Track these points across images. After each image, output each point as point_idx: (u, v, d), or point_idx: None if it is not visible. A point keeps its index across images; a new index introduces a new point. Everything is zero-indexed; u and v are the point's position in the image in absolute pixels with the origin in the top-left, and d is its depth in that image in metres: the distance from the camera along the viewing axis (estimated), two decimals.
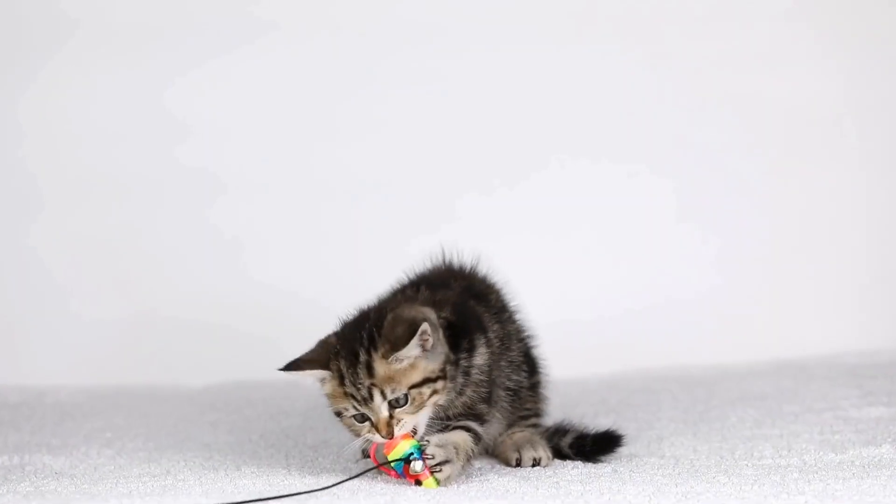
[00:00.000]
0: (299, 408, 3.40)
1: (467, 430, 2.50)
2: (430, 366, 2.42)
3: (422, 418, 2.44)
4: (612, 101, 4.22)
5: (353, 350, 2.42)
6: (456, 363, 2.48)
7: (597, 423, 3.03)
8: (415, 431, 2.43)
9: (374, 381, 2.40)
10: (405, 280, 2.73)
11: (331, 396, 2.47)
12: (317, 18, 4.18)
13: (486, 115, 4.19)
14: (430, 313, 2.46)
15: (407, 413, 2.41)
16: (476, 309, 2.61)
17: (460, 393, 2.50)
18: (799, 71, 4.24)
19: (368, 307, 2.55)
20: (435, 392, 2.42)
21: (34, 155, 4.15)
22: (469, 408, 2.52)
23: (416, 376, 2.41)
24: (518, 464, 2.64)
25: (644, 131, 4.22)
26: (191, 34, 4.14)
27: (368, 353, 2.41)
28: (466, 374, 2.51)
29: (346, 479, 2.45)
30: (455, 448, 2.45)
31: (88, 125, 4.14)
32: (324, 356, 2.46)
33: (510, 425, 2.71)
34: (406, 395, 2.40)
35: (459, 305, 2.57)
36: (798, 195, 4.25)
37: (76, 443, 3.04)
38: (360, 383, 2.40)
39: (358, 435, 2.46)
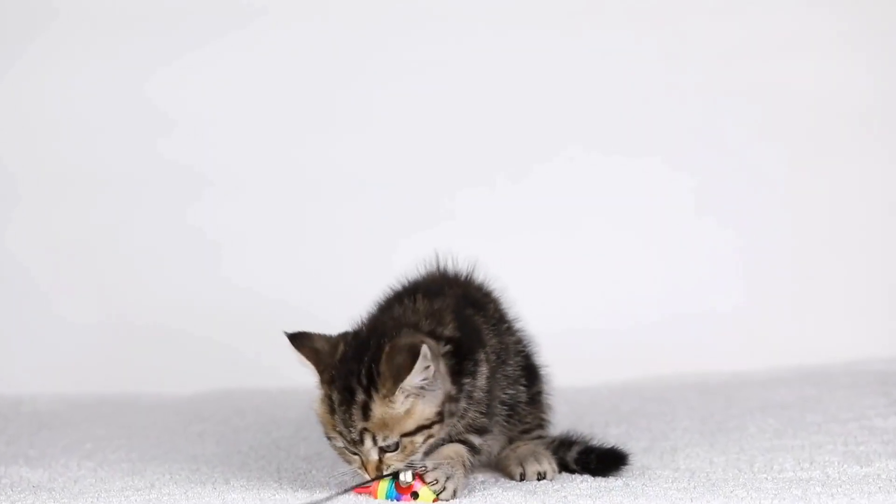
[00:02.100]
0: (291, 417, 3.41)
1: (462, 442, 2.52)
2: (427, 410, 2.40)
3: (415, 458, 2.43)
4: (625, 90, 4.21)
5: (348, 385, 2.40)
6: (459, 392, 2.47)
7: (607, 433, 3.05)
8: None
9: (368, 425, 2.38)
10: (398, 287, 2.71)
11: (321, 420, 2.47)
12: (308, 4, 4.19)
13: (489, 107, 4.19)
14: (431, 341, 2.43)
15: (396, 459, 2.41)
16: (474, 320, 2.60)
17: (462, 417, 2.51)
18: (824, 59, 4.23)
19: (370, 327, 2.52)
20: (430, 437, 2.42)
21: (9, 149, 4.16)
22: (469, 425, 2.53)
23: (410, 424, 2.39)
24: (522, 478, 2.65)
25: (659, 123, 4.22)
26: (175, 21, 4.14)
27: (368, 394, 2.38)
28: (470, 397, 2.51)
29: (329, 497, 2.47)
30: (450, 462, 2.47)
31: (67, 118, 4.15)
32: (326, 362, 2.44)
33: (512, 440, 2.72)
34: (397, 443, 2.40)
35: (459, 316, 2.56)
36: (823, 192, 4.25)
37: (55, 454, 3.05)
38: (353, 426, 2.39)
39: (348, 463, 2.47)
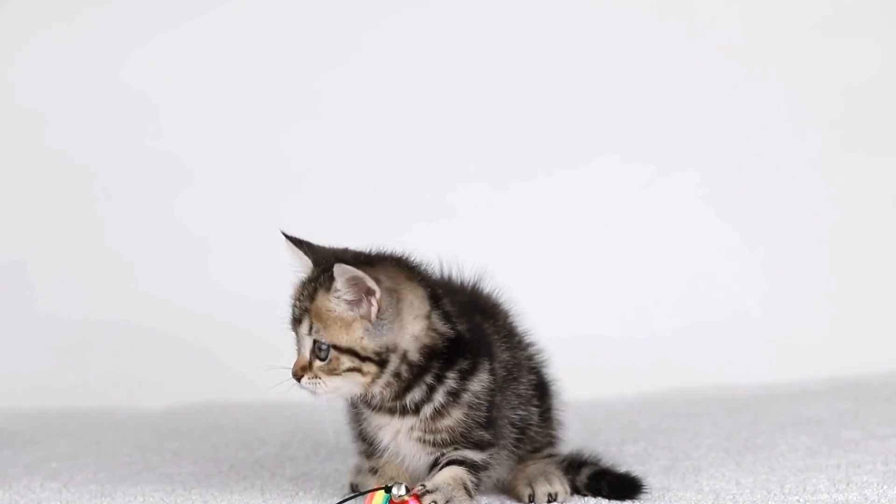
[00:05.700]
0: (276, 434, 3.42)
1: (460, 462, 2.54)
2: (366, 341, 2.48)
3: (341, 387, 2.50)
4: (642, 78, 4.22)
5: (325, 270, 2.53)
6: (420, 361, 2.51)
7: (623, 451, 3.05)
8: None
9: (310, 307, 2.51)
10: None
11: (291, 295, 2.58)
12: None
13: (493, 95, 4.19)
14: (406, 288, 2.51)
15: (323, 371, 2.49)
16: (484, 329, 2.63)
17: (440, 414, 2.53)
18: (860, 42, 4.24)
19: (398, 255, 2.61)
20: (356, 370, 2.49)
21: None
22: (462, 434, 2.55)
23: (343, 339, 2.48)
24: (531, 500, 2.65)
25: (680, 114, 4.23)
26: None
27: (324, 280, 2.52)
28: (455, 395, 2.53)
29: None
30: (449, 485, 2.49)
31: (36, 103, 4.16)
32: (325, 255, 2.59)
33: (521, 458, 2.71)
34: (328, 350, 2.48)
35: (470, 320, 2.59)
36: (857, 189, 4.26)
37: (16, 474, 3.05)
38: (302, 301, 2.53)
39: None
